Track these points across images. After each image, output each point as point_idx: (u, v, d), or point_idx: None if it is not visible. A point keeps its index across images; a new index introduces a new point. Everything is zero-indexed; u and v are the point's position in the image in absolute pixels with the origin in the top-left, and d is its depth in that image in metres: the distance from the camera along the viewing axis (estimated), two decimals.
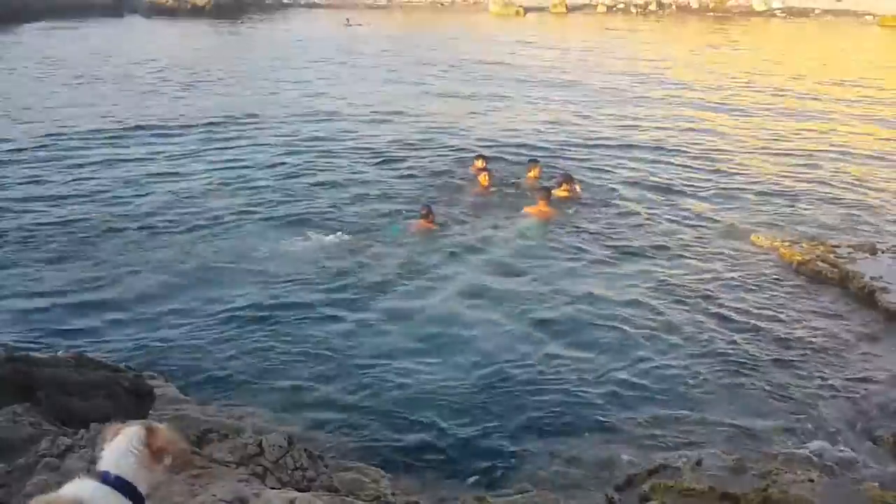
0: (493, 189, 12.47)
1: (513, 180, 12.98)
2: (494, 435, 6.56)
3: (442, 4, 45.74)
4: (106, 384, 5.17)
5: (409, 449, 6.33)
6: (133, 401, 5.26)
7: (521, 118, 18.15)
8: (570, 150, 15.31)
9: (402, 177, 13.43)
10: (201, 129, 16.28)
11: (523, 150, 14.97)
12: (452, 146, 15.37)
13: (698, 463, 6.07)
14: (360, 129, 16.75)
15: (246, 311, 8.41)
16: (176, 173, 13.30)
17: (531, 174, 12.92)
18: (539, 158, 13.63)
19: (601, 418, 6.85)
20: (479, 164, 12.95)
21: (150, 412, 5.59)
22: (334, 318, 8.35)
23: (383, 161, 14.35)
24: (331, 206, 11.79)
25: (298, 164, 14.10)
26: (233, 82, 22.10)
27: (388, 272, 9.52)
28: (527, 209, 11.53)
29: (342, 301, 8.76)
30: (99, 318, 8.22)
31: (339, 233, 10.61)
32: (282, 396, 6.91)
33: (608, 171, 14.01)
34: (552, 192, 11.81)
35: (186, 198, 12.01)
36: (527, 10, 43.26)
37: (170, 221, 11.00)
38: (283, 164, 14.11)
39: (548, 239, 10.83)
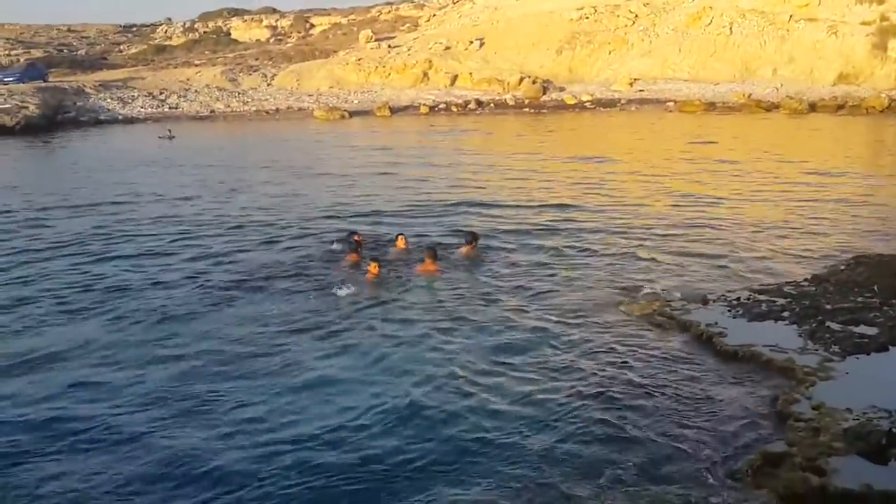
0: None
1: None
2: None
3: (267, 113, 45.74)
4: None
5: None
6: None
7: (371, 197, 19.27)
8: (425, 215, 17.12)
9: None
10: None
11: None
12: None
13: None
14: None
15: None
16: None
17: (400, 244, 13.62)
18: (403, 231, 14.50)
19: (460, 465, 6.89)
20: (356, 238, 13.60)
21: None
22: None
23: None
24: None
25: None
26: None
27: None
28: (418, 268, 12.45)
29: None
30: None
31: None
32: None
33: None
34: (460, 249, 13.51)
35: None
36: (352, 113, 44.02)
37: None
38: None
39: (438, 292, 11.64)
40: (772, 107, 42.04)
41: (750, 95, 43.78)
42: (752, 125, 36.84)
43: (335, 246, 13.93)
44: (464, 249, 13.47)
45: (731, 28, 50.24)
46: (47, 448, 7.30)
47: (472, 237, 13.60)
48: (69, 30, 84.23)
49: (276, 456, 7.04)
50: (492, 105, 47.02)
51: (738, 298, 10.74)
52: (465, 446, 7.20)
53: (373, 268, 12.16)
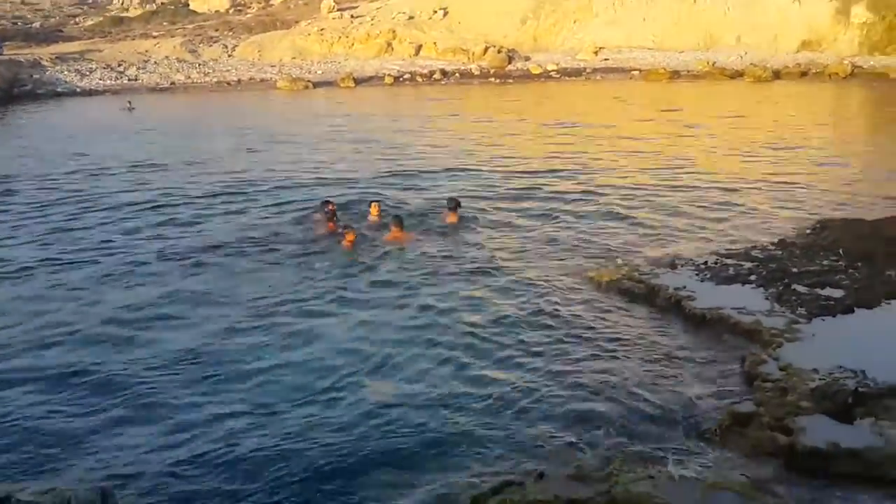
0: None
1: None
2: (322, 467, 6.39)
3: (229, 84, 45.00)
4: None
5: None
6: None
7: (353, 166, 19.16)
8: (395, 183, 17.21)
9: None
10: None
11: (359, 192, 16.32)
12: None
13: (540, 476, 5.93)
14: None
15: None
16: None
17: (373, 212, 13.62)
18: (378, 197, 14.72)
19: (437, 442, 6.61)
20: (330, 207, 13.46)
21: None
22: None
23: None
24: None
25: None
26: None
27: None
28: (385, 237, 12.51)
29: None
30: None
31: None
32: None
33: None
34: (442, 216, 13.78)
35: None
36: (315, 84, 43.45)
37: None
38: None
39: (405, 261, 11.68)
40: (736, 74, 42.17)
41: (714, 63, 43.89)
42: (717, 93, 37.00)
43: (308, 215, 13.79)
44: (446, 216, 13.56)
45: None
46: None
47: (455, 203, 13.66)
48: (23, 2, 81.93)
49: (241, 441, 6.91)
50: (457, 75, 46.63)
51: (706, 262, 10.79)
52: (434, 428, 6.97)
53: (349, 235, 12.12)
